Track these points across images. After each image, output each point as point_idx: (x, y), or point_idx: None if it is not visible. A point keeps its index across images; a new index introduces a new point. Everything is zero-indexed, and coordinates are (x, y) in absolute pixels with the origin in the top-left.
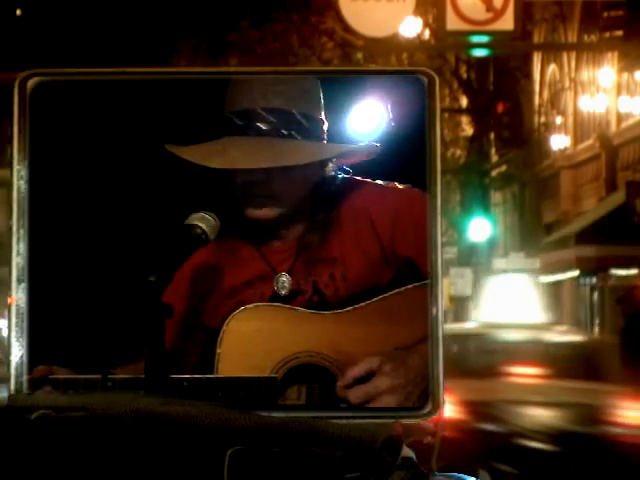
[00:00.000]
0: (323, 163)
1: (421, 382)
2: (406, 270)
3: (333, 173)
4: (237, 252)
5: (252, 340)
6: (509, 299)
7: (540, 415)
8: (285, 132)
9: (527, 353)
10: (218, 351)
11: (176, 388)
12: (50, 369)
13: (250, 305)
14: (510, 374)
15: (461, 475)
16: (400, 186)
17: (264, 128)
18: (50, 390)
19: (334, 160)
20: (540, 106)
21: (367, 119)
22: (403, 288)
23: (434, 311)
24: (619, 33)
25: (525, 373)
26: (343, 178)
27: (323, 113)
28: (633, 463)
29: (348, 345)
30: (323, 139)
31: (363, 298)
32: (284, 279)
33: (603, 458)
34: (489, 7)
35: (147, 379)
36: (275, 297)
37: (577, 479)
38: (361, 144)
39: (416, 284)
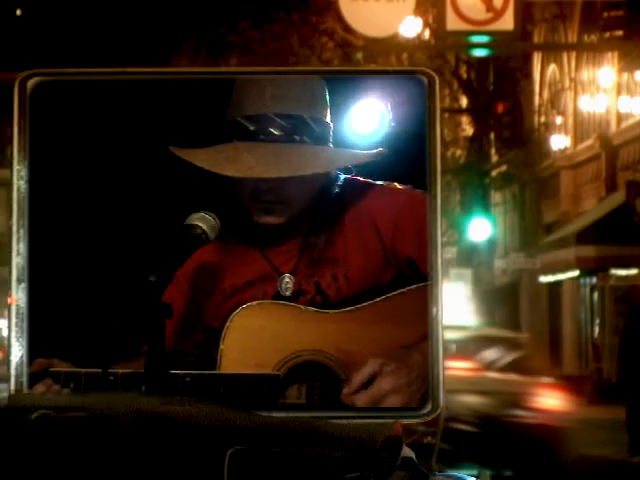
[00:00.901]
0: None
1: (423, 382)
2: (407, 270)
3: (335, 174)
4: (239, 253)
5: (255, 337)
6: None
7: (470, 402)
8: (297, 137)
9: (461, 349)
10: (221, 347)
11: (178, 384)
12: (50, 362)
13: (254, 302)
14: (446, 367)
15: (461, 475)
16: (402, 187)
17: (277, 134)
18: (51, 383)
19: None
20: (540, 106)
21: (368, 119)
22: (406, 288)
23: (434, 311)
24: (619, 33)
25: (459, 367)
26: (345, 179)
27: (329, 115)
28: (535, 439)
29: (351, 344)
30: (330, 142)
31: (365, 298)
32: (287, 280)
33: (517, 437)
34: (489, 7)
35: (149, 375)
36: (277, 298)
37: (495, 454)
38: (372, 151)
39: (419, 284)
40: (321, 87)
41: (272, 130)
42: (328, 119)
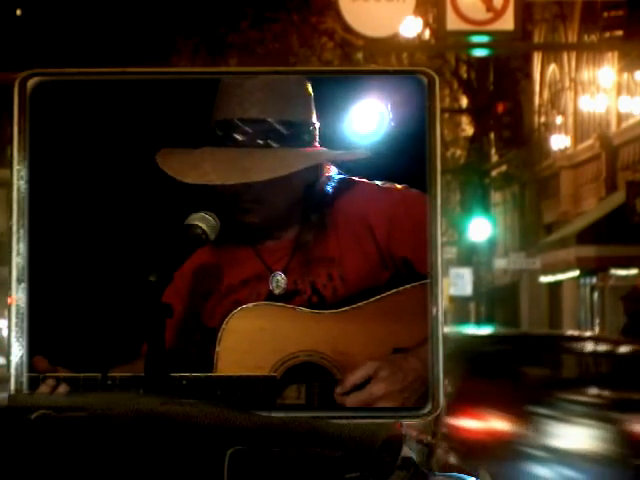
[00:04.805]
0: (316, 166)
1: (420, 386)
2: (403, 270)
3: (330, 174)
4: (234, 252)
5: (251, 339)
6: None
7: None
8: (261, 142)
9: None
10: (217, 349)
11: (175, 386)
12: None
13: (250, 304)
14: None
15: (461, 475)
16: (398, 186)
17: (240, 139)
18: (53, 384)
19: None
20: (540, 106)
21: (367, 119)
22: (402, 288)
23: (434, 311)
24: (619, 33)
25: None
26: (341, 179)
27: (314, 116)
28: None
29: (347, 345)
30: (309, 144)
31: (361, 298)
32: (279, 278)
33: None
34: (489, 7)
35: (147, 377)
36: (271, 296)
37: None
38: (344, 151)
39: (414, 284)
40: (299, 88)
41: (236, 135)
42: (310, 120)
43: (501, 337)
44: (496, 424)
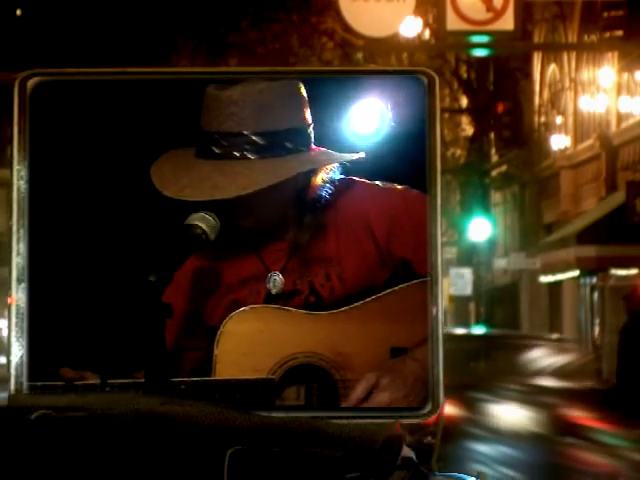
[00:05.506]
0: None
1: (421, 387)
2: (402, 270)
3: (330, 175)
4: (235, 252)
5: (249, 341)
6: None
7: None
8: (237, 154)
9: None
10: (215, 353)
11: (174, 391)
12: (80, 374)
13: (247, 307)
14: None
15: (461, 475)
16: (398, 187)
17: (217, 152)
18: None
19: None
20: (540, 106)
21: (367, 120)
22: (398, 287)
23: (434, 311)
24: (619, 33)
25: None
26: (340, 179)
27: (306, 120)
28: None
29: (345, 345)
30: (295, 150)
31: (359, 298)
32: (276, 277)
33: None
34: (489, 7)
35: (146, 383)
36: (269, 296)
37: None
38: (326, 158)
39: (409, 283)
40: (284, 95)
41: (214, 149)
42: (293, 126)
43: (456, 336)
44: (445, 408)
